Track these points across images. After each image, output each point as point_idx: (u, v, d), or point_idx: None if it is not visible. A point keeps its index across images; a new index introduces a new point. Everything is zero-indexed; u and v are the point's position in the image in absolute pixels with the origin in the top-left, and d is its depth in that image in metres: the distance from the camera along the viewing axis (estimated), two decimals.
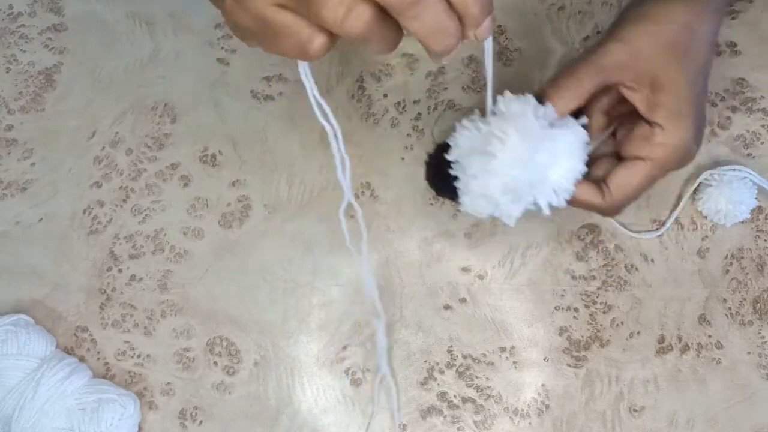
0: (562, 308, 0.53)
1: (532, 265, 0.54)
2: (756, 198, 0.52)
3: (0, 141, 0.58)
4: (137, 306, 0.55)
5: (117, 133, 0.57)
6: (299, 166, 0.56)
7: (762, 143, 0.54)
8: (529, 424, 0.52)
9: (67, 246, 0.56)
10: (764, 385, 0.52)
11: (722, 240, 0.53)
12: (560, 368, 0.52)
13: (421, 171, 0.53)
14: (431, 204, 0.54)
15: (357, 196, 0.55)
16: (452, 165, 0.45)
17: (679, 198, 0.53)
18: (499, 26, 0.57)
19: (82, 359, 0.54)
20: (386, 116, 0.56)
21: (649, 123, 0.44)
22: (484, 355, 0.53)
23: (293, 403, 0.53)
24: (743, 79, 0.55)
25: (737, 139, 0.54)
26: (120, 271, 0.55)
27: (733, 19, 0.56)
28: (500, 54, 0.57)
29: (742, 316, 0.52)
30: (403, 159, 0.55)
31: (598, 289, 0.53)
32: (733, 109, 0.55)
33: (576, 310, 0.53)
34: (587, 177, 0.45)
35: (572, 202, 0.45)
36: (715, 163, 0.54)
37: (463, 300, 0.53)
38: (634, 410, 0.52)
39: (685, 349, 0.52)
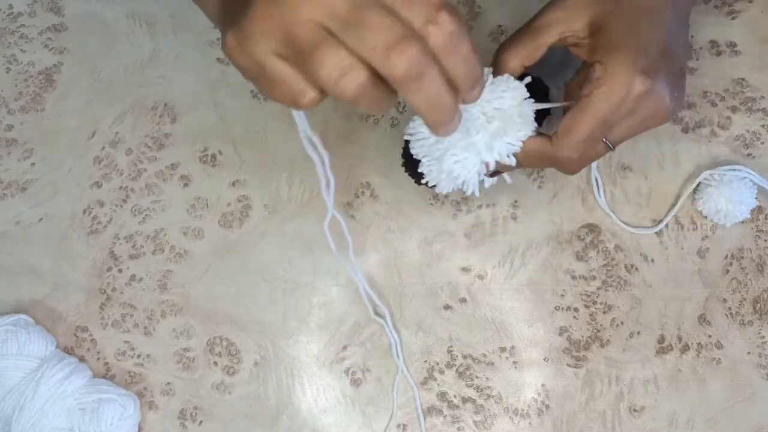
0: (562, 308, 0.53)
1: (532, 265, 0.54)
2: (756, 198, 0.52)
3: (0, 141, 0.58)
4: (137, 306, 0.55)
5: (117, 133, 0.57)
6: (299, 166, 0.56)
7: (762, 143, 0.54)
8: (529, 424, 0.52)
9: (67, 246, 0.56)
10: (764, 385, 0.52)
11: (722, 240, 0.53)
12: (560, 368, 0.52)
13: None
14: (431, 204, 0.54)
15: (357, 196, 0.55)
16: (413, 151, 0.46)
17: (679, 198, 0.53)
18: (499, 26, 0.57)
19: (82, 359, 0.54)
20: (386, 116, 0.56)
21: (592, 65, 0.43)
22: (484, 355, 0.53)
23: (293, 403, 0.53)
24: (743, 79, 0.55)
25: (737, 139, 0.54)
26: (120, 271, 0.55)
27: (733, 19, 0.56)
28: None
29: (742, 316, 0.52)
30: None
31: (598, 289, 0.53)
32: (733, 109, 0.55)
33: (576, 310, 0.53)
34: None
35: (524, 156, 0.45)
36: (715, 163, 0.54)
37: (463, 300, 0.53)
38: (634, 410, 0.52)
39: (685, 349, 0.52)
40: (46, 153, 0.57)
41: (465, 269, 0.54)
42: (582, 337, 0.53)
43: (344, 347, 0.53)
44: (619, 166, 0.54)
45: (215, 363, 0.54)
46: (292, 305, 0.54)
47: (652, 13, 0.43)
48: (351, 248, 0.49)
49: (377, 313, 0.53)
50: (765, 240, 0.53)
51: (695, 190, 0.53)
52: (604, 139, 0.44)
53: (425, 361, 0.53)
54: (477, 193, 0.46)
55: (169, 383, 0.54)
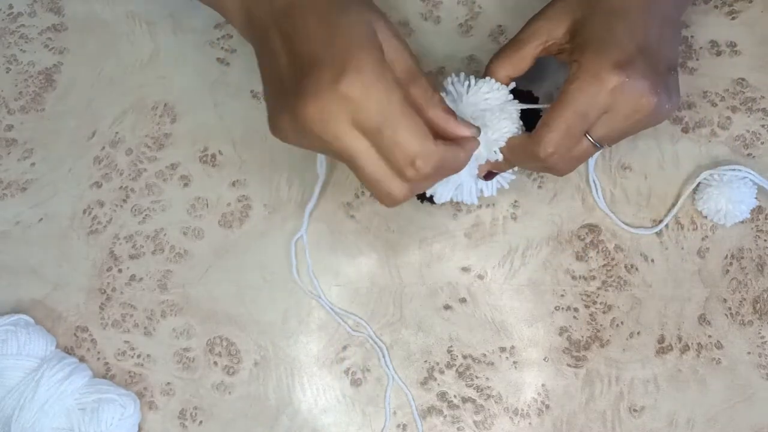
0: (562, 308, 0.53)
1: (532, 265, 0.54)
2: (756, 198, 0.52)
3: (0, 141, 0.58)
4: (137, 306, 0.55)
5: (117, 133, 0.57)
6: (299, 166, 0.56)
7: (762, 143, 0.54)
8: (529, 424, 0.52)
9: (67, 246, 0.56)
10: (764, 385, 0.52)
11: (722, 240, 0.53)
12: (560, 368, 0.52)
13: None
14: (431, 204, 0.54)
15: (357, 196, 0.55)
16: None
17: (679, 198, 0.53)
18: (499, 26, 0.57)
19: (82, 359, 0.54)
20: None
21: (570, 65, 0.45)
22: (484, 355, 0.53)
23: (293, 403, 0.53)
24: (743, 79, 0.55)
25: (737, 139, 0.54)
26: (120, 271, 0.55)
27: (733, 19, 0.56)
28: None
29: (742, 316, 0.52)
30: None
31: (598, 289, 0.53)
32: (733, 109, 0.55)
33: (576, 310, 0.53)
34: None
35: (508, 151, 0.47)
36: (715, 163, 0.54)
37: (463, 300, 0.53)
38: (634, 410, 0.52)
39: (685, 349, 0.52)
40: (46, 153, 0.57)
41: (465, 269, 0.54)
42: (582, 337, 0.53)
43: (344, 347, 0.53)
44: (619, 166, 0.54)
45: (215, 363, 0.54)
46: (292, 305, 0.54)
47: (628, 13, 0.44)
48: (310, 268, 0.53)
49: (356, 330, 0.53)
50: (765, 240, 0.53)
51: (695, 190, 0.53)
52: (587, 136, 0.44)
53: (425, 361, 0.53)
54: (475, 201, 0.49)
55: (169, 383, 0.53)
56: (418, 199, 0.53)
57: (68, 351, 0.54)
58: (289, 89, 0.39)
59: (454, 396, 0.52)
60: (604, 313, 0.53)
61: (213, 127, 0.57)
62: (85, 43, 0.59)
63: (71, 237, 0.56)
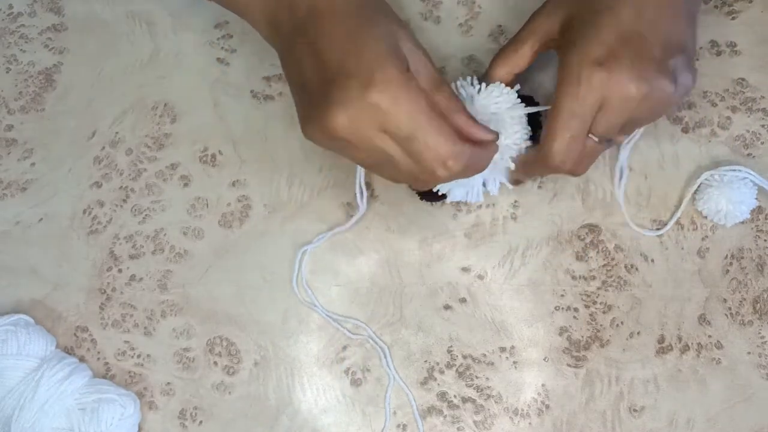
0: (562, 308, 0.53)
1: (532, 265, 0.54)
2: (756, 198, 0.52)
3: (0, 141, 0.58)
4: (137, 306, 0.55)
5: (117, 133, 0.57)
6: (299, 166, 0.56)
7: (762, 143, 0.54)
8: (529, 424, 0.52)
9: (67, 246, 0.56)
10: (764, 385, 0.52)
11: (722, 240, 0.53)
12: (560, 368, 0.52)
13: None
14: (431, 204, 0.54)
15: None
16: None
17: (680, 198, 0.53)
18: (499, 26, 0.57)
19: (82, 359, 0.54)
20: None
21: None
22: (484, 355, 0.53)
23: (293, 403, 0.53)
24: (743, 79, 0.55)
25: (737, 139, 0.54)
26: (120, 271, 0.55)
27: (733, 19, 0.56)
28: None
29: (742, 316, 0.52)
30: None
31: (598, 289, 0.53)
32: (733, 109, 0.55)
33: (576, 310, 0.53)
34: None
35: (522, 167, 0.49)
36: (715, 163, 0.54)
37: (463, 300, 0.53)
38: (634, 410, 0.52)
39: (685, 349, 0.52)
40: (46, 153, 0.57)
41: (465, 269, 0.54)
42: (582, 337, 0.53)
43: (344, 347, 0.53)
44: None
45: (215, 363, 0.54)
46: (292, 305, 0.54)
47: (614, 6, 0.44)
48: (303, 279, 0.54)
49: (355, 333, 0.53)
50: (765, 240, 0.53)
51: (695, 190, 0.53)
52: (591, 135, 0.45)
53: (425, 361, 0.53)
54: (481, 199, 0.50)
55: (169, 383, 0.54)
56: (419, 198, 0.53)
57: (68, 351, 0.54)
58: (316, 97, 0.40)
59: (454, 396, 0.52)
60: (604, 313, 0.53)
61: (213, 127, 0.57)
62: (85, 43, 0.59)
63: (71, 237, 0.56)
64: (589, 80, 0.42)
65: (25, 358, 0.51)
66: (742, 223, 0.53)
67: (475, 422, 0.52)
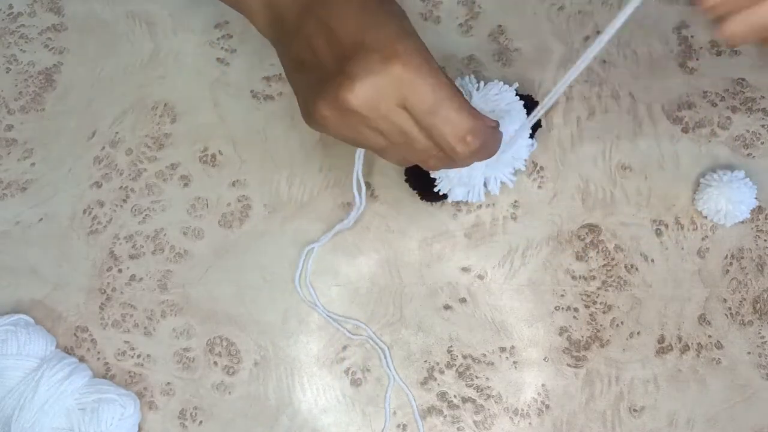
0: (562, 308, 0.53)
1: (532, 265, 0.54)
2: (756, 198, 0.52)
3: (0, 141, 0.58)
4: (137, 306, 0.55)
5: (117, 133, 0.57)
6: (299, 166, 0.56)
7: (762, 143, 0.54)
8: (529, 424, 0.52)
9: (67, 246, 0.56)
10: (764, 385, 0.52)
11: (722, 240, 0.53)
12: (560, 368, 0.52)
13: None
14: (431, 204, 0.54)
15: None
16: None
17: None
18: (499, 26, 0.57)
19: (82, 359, 0.54)
20: None
21: None
22: (484, 355, 0.53)
23: (293, 403, 0.53)
24: (743, 79, 0.55)
25: (737, 139, 0.54)
26: (120, 271, 0.55)
27: None
28: (500, 54, 0.57)
29: (742, 316, 0.52)
30: None
31: (598, 289, 0.53)
32: (733, 109, 0.55)
33: (576, 310, 0.53)
34: None
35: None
36: (715, 163, 0.54)
37: (463, 300, 0.53)
38: (634, 410, 0.52)
39: (685, 349, 0.52)
40: (46, 153, 0.57)
41: (465, 269, 0.54)
42: (582, 337, 0.53)
43: (344, 347, 0.53)
44: (619, 166, 0.54)
45: (215, 363, 0.54)
46: (292, 305, 0.54)
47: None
48: (307, 278, 0.54)
49: (356, 333, 0.53)
50: (765, 240, 0.53)
51: (695, 190, 0.53)
52: None
53: (425, 361, 0.53)
54: (482, 198, 0.50)
55: (169, 383, 0.53)
56: (419, 198, 0.53)
57: (68, 351, 0.54)
58: (328, 75, 0.39)
59: (454, 396, 0.52)
60: (604, 313, 0.53)
61: (213, 127, 0.57)
62: (85, 43, 0.59)
63: (71, 237, 0.56)
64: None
65: (25, 358, 0.51)
66: (742, 223, 0.53)
67: (475, 422, 0.52)
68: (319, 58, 0.40)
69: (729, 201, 0.51)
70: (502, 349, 0.53)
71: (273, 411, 0.53)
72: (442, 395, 0.52)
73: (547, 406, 0.52)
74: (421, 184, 0.52)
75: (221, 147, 0.57)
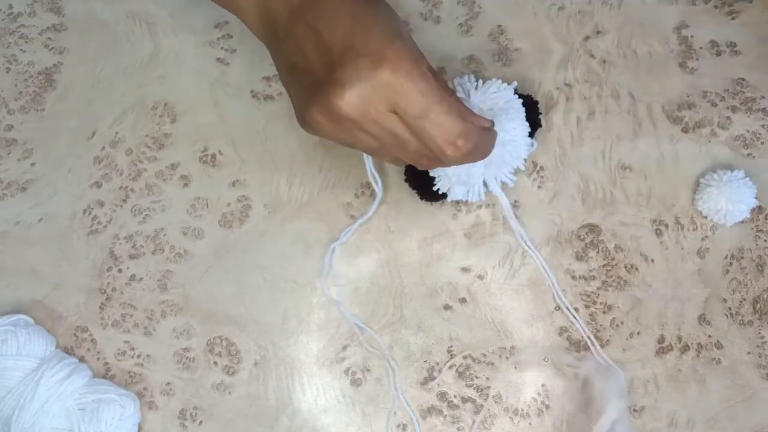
0: (562, 308, 0.53)
1: (532, 265, 0.54)
2: (756, 198, 0.52)
3: (0, 141, 0.58)
4: (137, 306, 0.55)
5: (117, 133, 0.57)
6: (299, 166, 0.56)
7: (762, 143, 0.54)
8: (529, 424, 0.52)
9: (67, 246, 0.56)
10: (764, 385, 0.52)
11: (722, 240, 0.53)
12: (560, 368, 0.52)
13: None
14: (431, 204, 0.54)
15: (357, 196, 0.55)
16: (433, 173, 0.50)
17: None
18: (499, 26, 0.57)
19: (82, 359, 0.54)
20: None
21: None
22: (484, 355, 0.53)
23: (293, 403, 0.53)
24: (743, 79, 0.55)
25: (737, 139, 0.54)
26: (120, 271, 0.55)
27: (733, 19, 0.56)
28: (500, 54, 0.57)
29: (742, 316, 0.52)
30: None
31: (598, 289, 0.53)
32: (733, 109, 0.55)
33: (576, 310, 0.53)
34: None
35: None
36: (715, 163, 0.54)
37: (463, 300, 0.53)
38: (634, 410, 0.52)
39: (685, 349, 0.52)
40: (46, 153, 0.57)
41: (465, 269, 0.54)
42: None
43: (344, 347, 0.53)
44: (619, 166, 0.54)
45: (215, 363, 0.54)
46: (292, 305, 0.54)
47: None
48: (326, 277, 0.54)
49: (372, 346, 0.53)
50: (765, 240, 0.53)
51: (695, 190, 0.53)
52: None
53: (425, 361, 0.53)
54: (482, 198, 0.50)
55: (169, 383, 0.53)
56: (419, 198, 0.53)
57: (68, 351, 0.54)
58: (319, 80, 0.39)
59: (454, 396, 0.52)
60: (604, 313, 0.53)
61: (213, 127, 0.57)
62: (85, 43, 0.59)
63: (71, 237, 0.56)
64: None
65: (25, 358, 0.51)
66: (742, 223, 0.53)
67: (474, 422, 0.52)
68: (310, 62, 0.40)
69: (729, 201, 0.51)
70: (502, 349, 0.53)
71: (273, 411, 0.53)
72: (442, 395, 0.52)
73: (547, 406, 0.52)
74: (421, 183, 0.52)
75: (221, 147, 0.57)
